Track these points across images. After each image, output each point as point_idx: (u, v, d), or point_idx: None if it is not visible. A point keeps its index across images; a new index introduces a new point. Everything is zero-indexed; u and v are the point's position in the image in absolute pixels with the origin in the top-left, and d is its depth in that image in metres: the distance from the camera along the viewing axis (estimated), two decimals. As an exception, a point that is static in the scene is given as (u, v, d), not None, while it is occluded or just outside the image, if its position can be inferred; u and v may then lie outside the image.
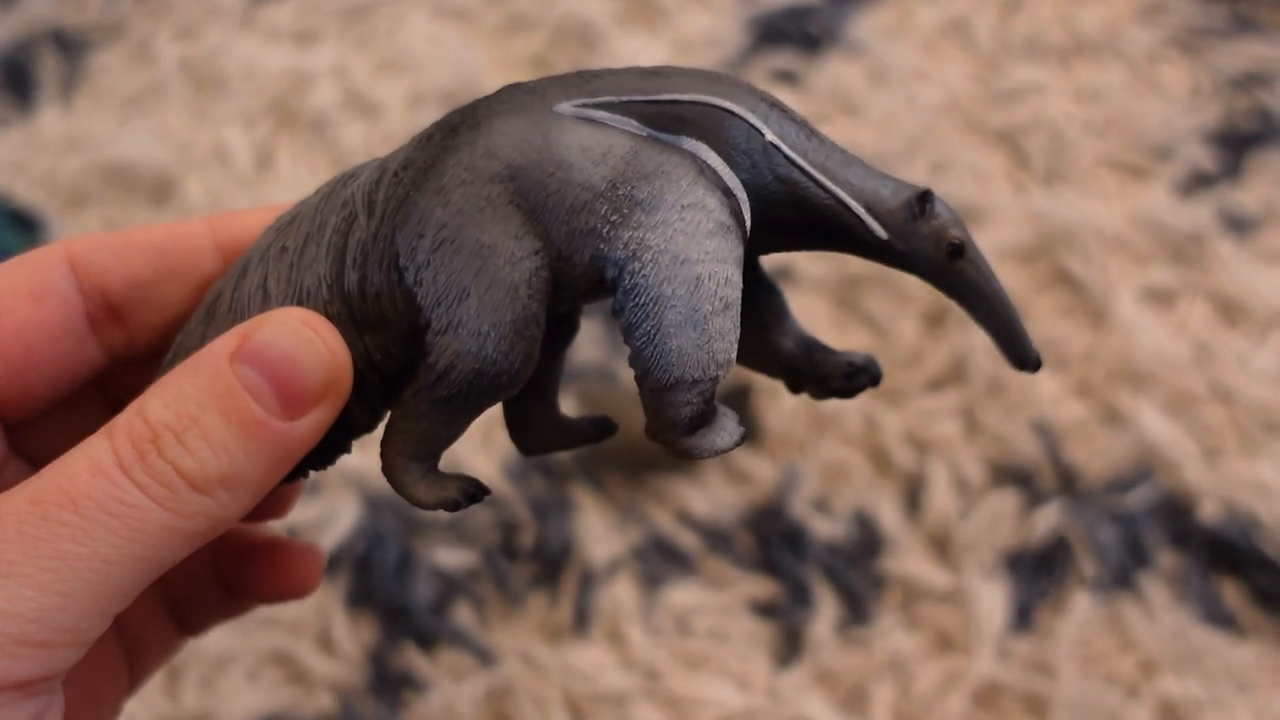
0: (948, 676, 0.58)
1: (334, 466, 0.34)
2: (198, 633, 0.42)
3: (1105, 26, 0.78)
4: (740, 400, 0.64)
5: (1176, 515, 0.61)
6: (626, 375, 0.65)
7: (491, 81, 0.78)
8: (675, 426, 0.31)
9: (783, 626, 0.60)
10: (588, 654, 0.59)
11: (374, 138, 0.77)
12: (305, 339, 0.31)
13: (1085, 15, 0.79)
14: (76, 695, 0.34)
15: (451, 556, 0.61)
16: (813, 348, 0.36)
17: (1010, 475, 0.62)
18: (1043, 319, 0.67)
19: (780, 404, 0.64)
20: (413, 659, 0.59)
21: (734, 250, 0.31)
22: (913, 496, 0.62)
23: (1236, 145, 0.73)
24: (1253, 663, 0.57)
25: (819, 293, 0.68)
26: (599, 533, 0.62)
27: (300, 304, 0.32)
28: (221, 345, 0.30)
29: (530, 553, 0.62)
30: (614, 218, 0.31)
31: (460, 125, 0.32)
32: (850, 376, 0.35)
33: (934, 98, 0.75)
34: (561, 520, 0.62)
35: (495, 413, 0.34)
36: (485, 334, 0.31)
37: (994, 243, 0.68)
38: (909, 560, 0.60)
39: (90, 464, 0.29)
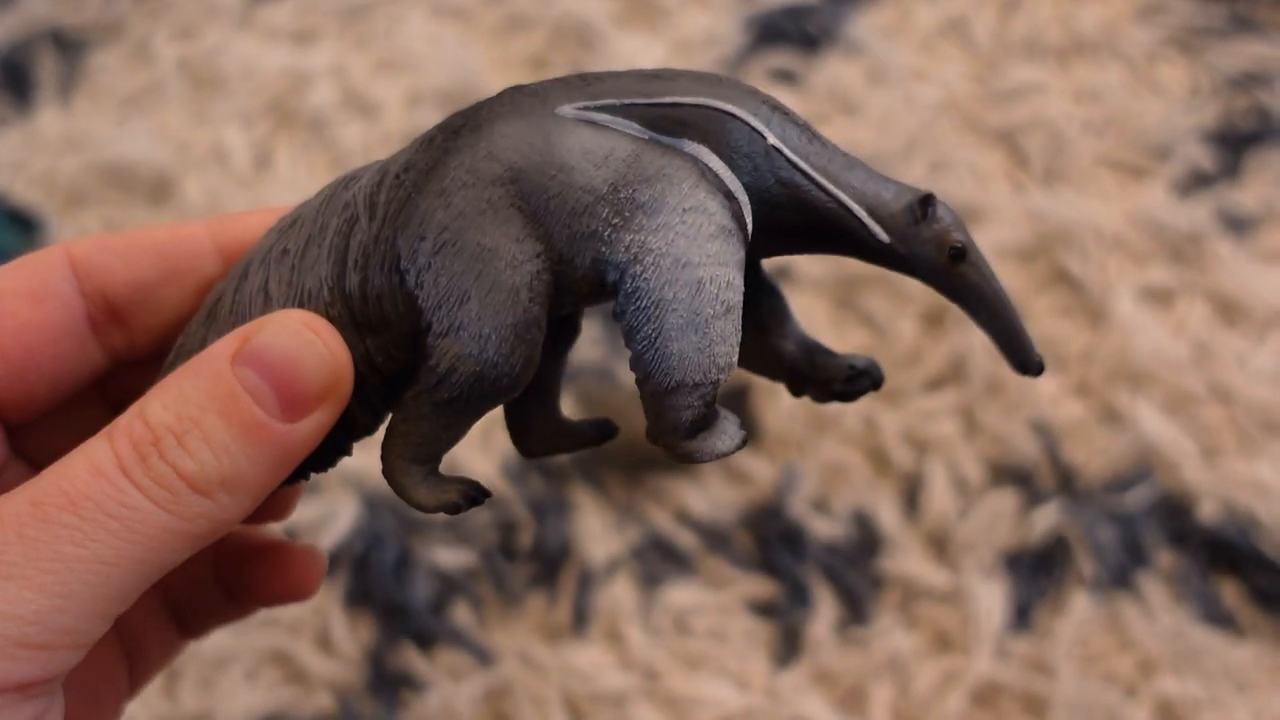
0: (946, 676, 0.58)
1: (333, 467, 0.34)
2: (199, 635, 0.42)
3: (1104, 26, 0.78)
4: (739, 400, 0.64)
5: (1175, 515, 0.61)
6: (625, 375, 0.65)
7: (490, 81, 0.78)
8: (676, 430, 0.31)
9: (781, 626, 0.60)
10: (586, 654, 0.59)
11: (372, 137, 0.77)
12: (306, 341, 0.31)
13: (1084, 15, 0.79)
14: (77, 698, 0.34)
15: (450, 556, 0.61)
16: (814, 351, 0.36)
17: (1009, 475, 0.62)
18: (1041, 318, 0.67)
19: (779, 404, 0.64)
20: (411, 659, 0.59)
21: (735, 253, 0.31)
22: (911, 496, 0.62)
23: (1235, 145, 0.73)
24: (1251, 662, 0.57)
25: (818, 293, 0.68)
26: (598, 533, 0.62)
27: (301, 306, 0.32)
28: (222, 347, 0.30)
29: (529, 553, 0.62)
30: (615, 221, 0.31)
31: (462, 128, 0.32)
32: (852, 380, 0.35)
33: (933, 97, 0.75)
34: (560, 520, 0.62)
35: (494, 413, 0.34)
36: (486, 337, 0.31)
37: (993, 242, 0.69)
38: (908, 560, 0.60)
39: (90, 466, 0.29)
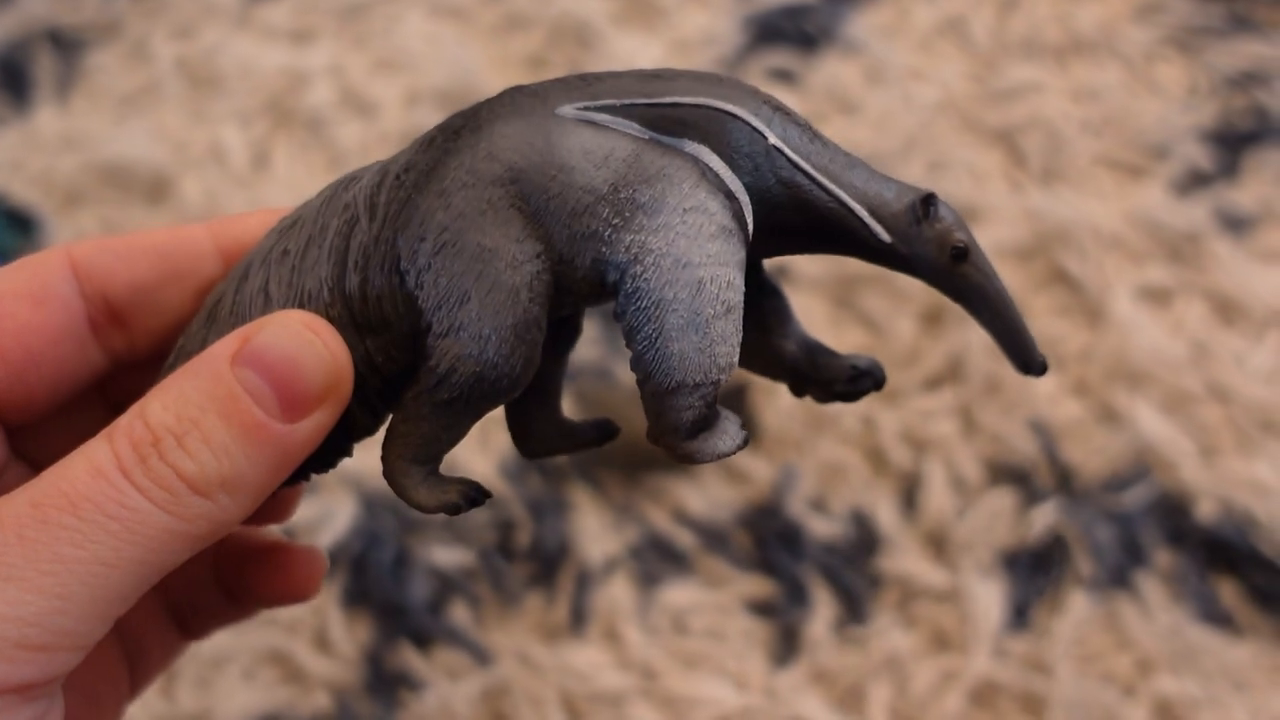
0: (944, 675, 0.58)
1: (333, 468, 0.34)
2: (199, 637, 0.41)
3: (1102, 25, 0.78)
4: (737, 399, 0.64)
5: (1173, 514, 0.61)
6: (623, 375, 0.65)
7: (488, 81, 0.78)
8: (677, 430, 0.31)
9: (779, 626, 0.60)
10: (584, 653, 0.59)
11: (370, 137, 0.77)
12: (306, 341, 0.31)
13: (1082, 14, 0.79)
14: (77, 700, 0.34)
15: (448, 556, 0.61)
16: (816, 351, 0.36)
17: (1007, 474, 0.62)
18: (1040, 318, 0.67)
19: (777, 403, 0.64)
20: (409, 658, 0.59)
21: (736, 253, 0.31)
22: (909, 495, 0.62)
23: (1233, 144, 0.73)
24: (1249, 662, 0.57)
25: (816, 292, 0.68)
26: (595, 532, 0.62)
27: (302, 307, 0.32)
28: (222, 348, 0.30)
29: (527, 552, 0.62)
30: (615, 221, 0.31)
31: (462, 128, 0.32)
32: (854, 380, 0.35)
33: (931, 96, 0.76)
34: (558, 520, 0.62)
35: (493, 413, 0.34)
36: (486, 337, 0.31)
37: (991, 241, 0.69)
38: (906, 559, 0.60)
39: (90, 467, 0.29)
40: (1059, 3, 0.80)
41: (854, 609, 0.60)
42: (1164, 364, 0.64)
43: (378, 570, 0.61)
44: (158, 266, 0.36)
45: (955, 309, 0.64)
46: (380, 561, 0.61)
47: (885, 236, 0.33)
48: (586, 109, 0.32)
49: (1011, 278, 0.68)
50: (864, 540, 0.61)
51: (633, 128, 0.32)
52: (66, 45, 0.83)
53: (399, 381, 0.32)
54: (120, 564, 0.28)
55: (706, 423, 0.32)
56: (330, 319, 0.32)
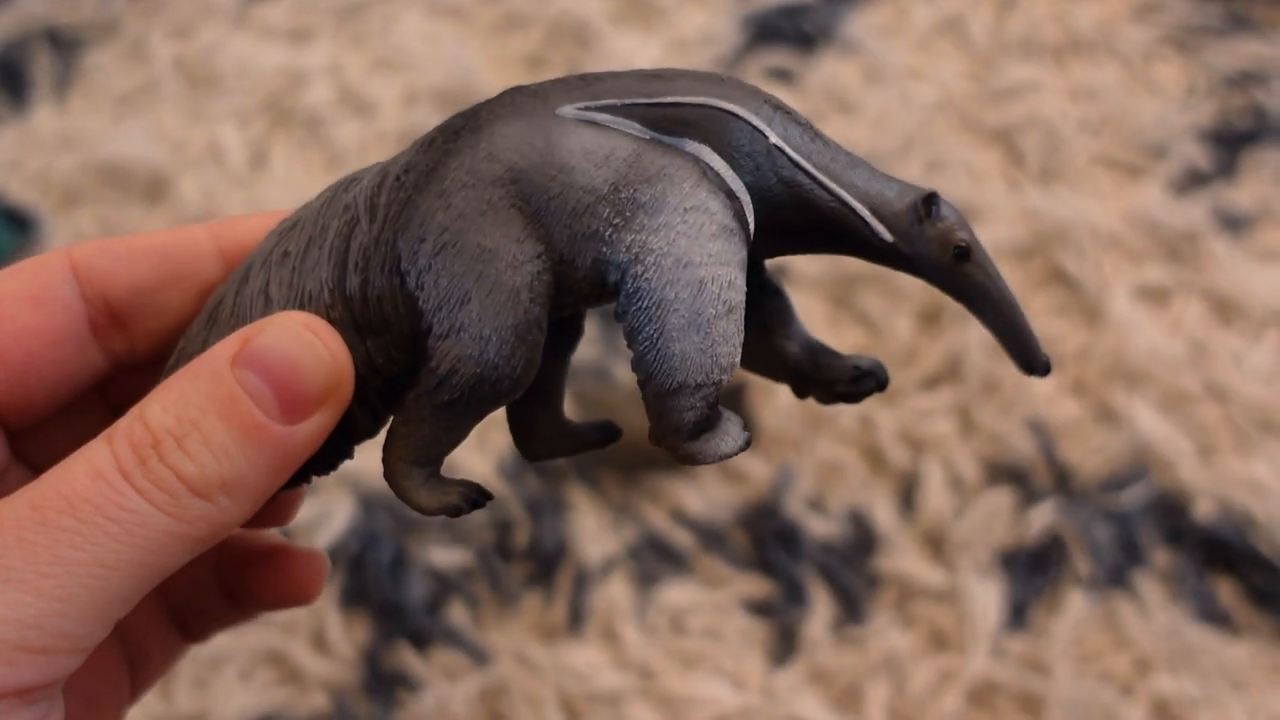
0: (942, 675, 0.58)
1: (334, 470, 0.34)
2: (200, 639, 0.41)
3: (1100, 25, 0.78)
4: (736, 399, 0.64)
5: (1171, 513, 0.61)
6: (621, 375, 0.65)
7: (486, 80, 0.78)
8: (679, 431, 0.31)
9: (777, 625, 0.60)
10: (582, 653, 0.59)
11: (368, 136, 0.77)
12: (306, 343, 0.30)
13: (1080, 13, 0.79)
14: (77, 703, 0.34)
15: (446, 556, 0.61)
16: (818, 351, 0.35)
17: (1005, 473, 0.62)
18: (1038, 317, 0.67)
19: (775, 403, 0.64)
20: (407, 658, 0.59)
21: (737, 253, 0.31)
22: (907, 495, 0.62)
23: (1231, 144, 0.73)
24: (1247, 661, 0.57)
25: (814, 291, 0.68)
26: (593, 532, 0.62)
27: (302, 308, 0.32)
28: (222, 349, 0.30)
29: (525, 552, 0.62)
30: (616, 221, 0.31)
31: (462, 129, 0.32)
32: (856, 381, 0.35)
33: (929, 96, 0.76)
34: (556, 519, 0.62)
35: (492, 414, 0.34)
36: (487, 338, 0.31)
37: (989, 241, 0.68)
38: (904, 559, 0.60)
39: (90, 469, 0.29)
40: (1057, 2, 0.80)
41: (852, 609, 0.60)
42: (1162, 363, 0.64)
43: (376, 570, 0.61)
44: (158, 268, 0.36)
45: (953, 308, 0.64)
46: (378, 561, 0.61)
47: (887, 236, 0.32)
48: (587, 109, 0.32)
49: (1010, 277, 0.68)
50: (862, 540, 0.61)
51: (633, 127, 0.31)
52: (64, 45, 0.83)
53: (400, 383, 0.32)
54: (120, 566, 0.28)
55: (708, 423, 0.31)
56: (331, 320, 0.32)
